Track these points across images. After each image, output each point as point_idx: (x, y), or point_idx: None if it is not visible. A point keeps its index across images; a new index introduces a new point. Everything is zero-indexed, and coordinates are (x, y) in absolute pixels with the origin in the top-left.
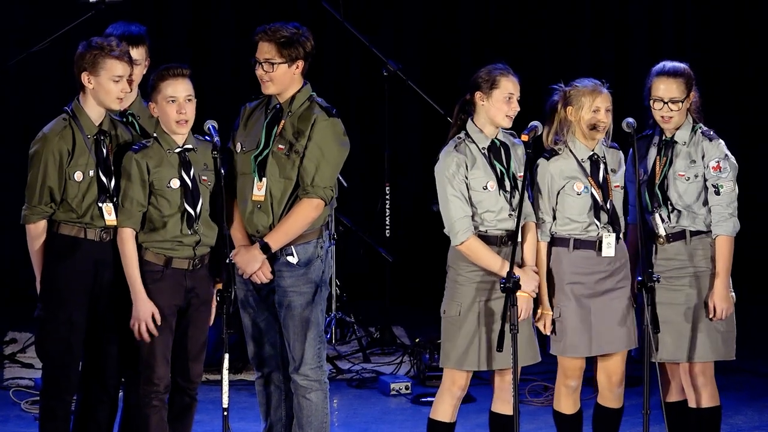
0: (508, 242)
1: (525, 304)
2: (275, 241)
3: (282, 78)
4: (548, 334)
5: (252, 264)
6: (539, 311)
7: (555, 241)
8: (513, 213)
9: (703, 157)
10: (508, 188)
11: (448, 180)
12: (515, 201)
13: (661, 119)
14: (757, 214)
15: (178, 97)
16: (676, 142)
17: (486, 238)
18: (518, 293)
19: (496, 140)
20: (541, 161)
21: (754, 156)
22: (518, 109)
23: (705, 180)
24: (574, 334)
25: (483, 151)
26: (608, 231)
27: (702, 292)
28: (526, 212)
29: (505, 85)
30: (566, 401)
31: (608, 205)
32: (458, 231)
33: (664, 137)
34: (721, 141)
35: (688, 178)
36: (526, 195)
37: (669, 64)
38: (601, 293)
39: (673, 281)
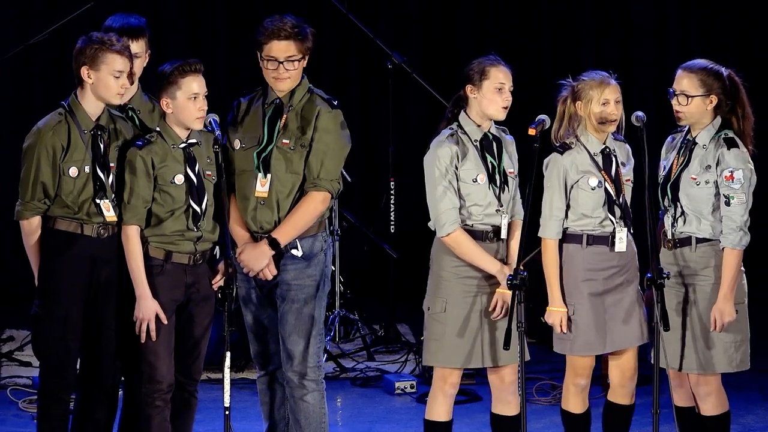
0: (493, 238)
1: (502, 301)
2: (284, 235)
3: (298, 73)
4: (565, 332)
5: (260, 260)
6: (548, 309)
7: (566, 238)
8: (501, 209)
9: (718, 164)
10: (497, 183)
11: (438, 170)
12: (504, 197)
13: (674, 112)
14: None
15: (200, 93)
16: (696, 143)
17: (472, 233)
18: (499, 290)
19: (489, 133)
20: (555, 155)
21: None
22: (511, 99)
23: (718, 188)
24: (589, 331)
25: (475, 144)
26: (621, 226)
27: (705, 301)
28: (517, 210)
29: (496, 75)
30: (575, 400)
31: (621, 200)
32: (445, 222)
33: (689, 136)
34: (742, 150)
35: (699, 183)
36: (517, 192)
37: (695, 60)
38: (613, 289)
39: (677, 287)
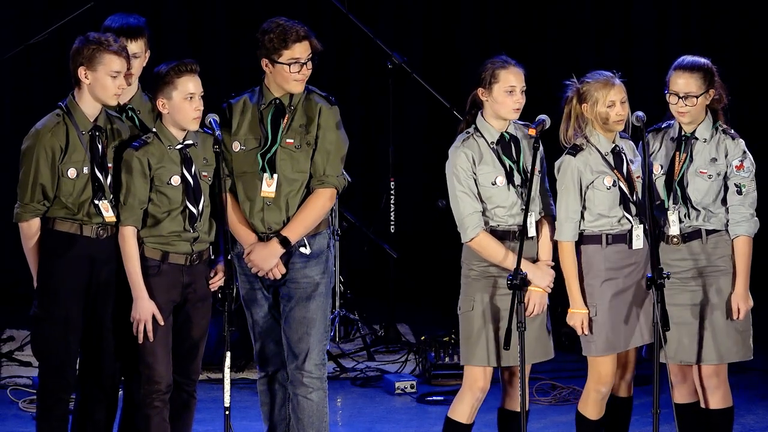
0: (520, 237)
1: (538, 299)
2: (293, 233)
3: (310, 72)
4: (586, 333)
5: (270, 260)
6: (569, 311)
7: (584, 239)
8: (525, 207)
9: (726, 155)
10: (518, 183)
11: (456, 176)
12: (526, 195)
13: (677, 114)
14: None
15: (196, 93)
16: (696, 139)
17: (497, 233)
18: (531, 288)
19: (505, 134)
20: (567, 158)
21: (762, 154)
22: (523, 100)
23: (725, 179)
24: (611, 331)
25: (492, 146)
26: (637, 223)
27: (720, 292)
28: (542, 206)
29: (506, 78)
30: (594, 406)
31: (634, 197)
32: (468, 227)
33: (683, 132)
34: (742, 140)
35: (710, 176)
36: (537, 189)
37: (688, 59)
38: (631, 286)
39: (689, 281)
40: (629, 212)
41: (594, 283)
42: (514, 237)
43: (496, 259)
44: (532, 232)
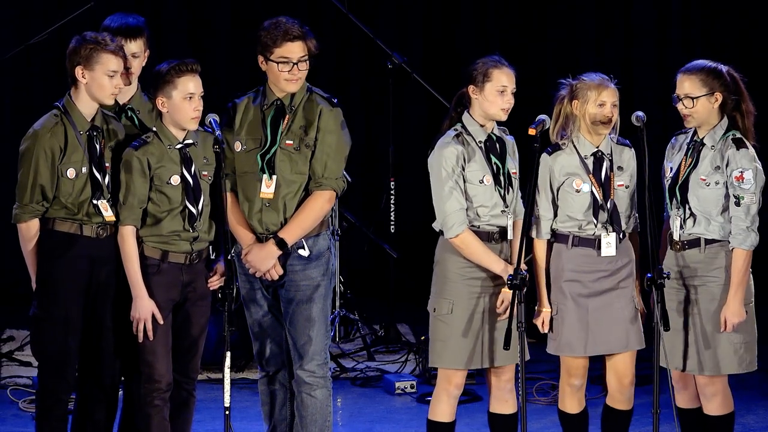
0: (499, 239)
1: (508, 299)
2: (290, 235)
3: (306, 73)
4: (545, 331)
5: (267, 261)
6: (537, 308)
7: (556, 238)
8: (506, 210)
9: (727, 165)
10: (502, 184)
11: (446, 171)
12: (509, 197)
13: (682, 116)
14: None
15: (196, 93)
16: (704, 144)
17: (478, 234)
18: (504, 290)
19: (492, 134)
20: (543, 156)
21: (762, 154)
22: (513, 102)
23: (727, 188)
24: (571, 332)
25: (480, 145)
26: (607, 230)
27: (712, 303)
28: (518, 210)
29: (498, 78)
30: (570, 400)
31: (608, 204)
32: (453, 224)
33: (696, 137)
34: (750, 150)
35: (708, 183)
36: (518, 192)
37: (693, 62)
38: (600, 293)
39: (684, 290)
40: (597, 218)
41: (556, 283)
42: (491, 238)
43: (478, 258)
44: (510, 234)
